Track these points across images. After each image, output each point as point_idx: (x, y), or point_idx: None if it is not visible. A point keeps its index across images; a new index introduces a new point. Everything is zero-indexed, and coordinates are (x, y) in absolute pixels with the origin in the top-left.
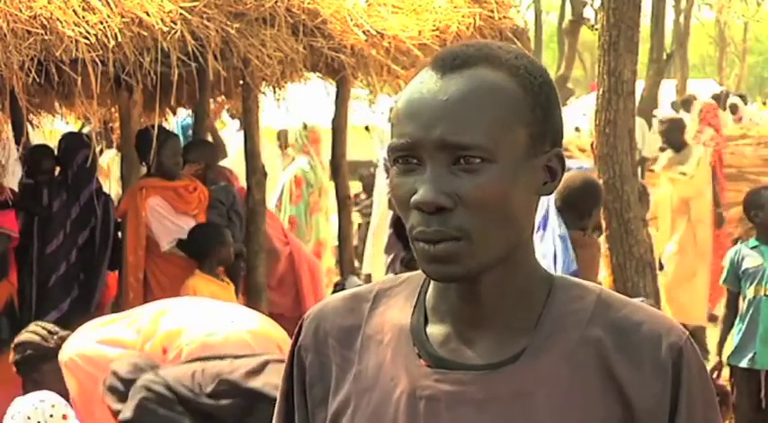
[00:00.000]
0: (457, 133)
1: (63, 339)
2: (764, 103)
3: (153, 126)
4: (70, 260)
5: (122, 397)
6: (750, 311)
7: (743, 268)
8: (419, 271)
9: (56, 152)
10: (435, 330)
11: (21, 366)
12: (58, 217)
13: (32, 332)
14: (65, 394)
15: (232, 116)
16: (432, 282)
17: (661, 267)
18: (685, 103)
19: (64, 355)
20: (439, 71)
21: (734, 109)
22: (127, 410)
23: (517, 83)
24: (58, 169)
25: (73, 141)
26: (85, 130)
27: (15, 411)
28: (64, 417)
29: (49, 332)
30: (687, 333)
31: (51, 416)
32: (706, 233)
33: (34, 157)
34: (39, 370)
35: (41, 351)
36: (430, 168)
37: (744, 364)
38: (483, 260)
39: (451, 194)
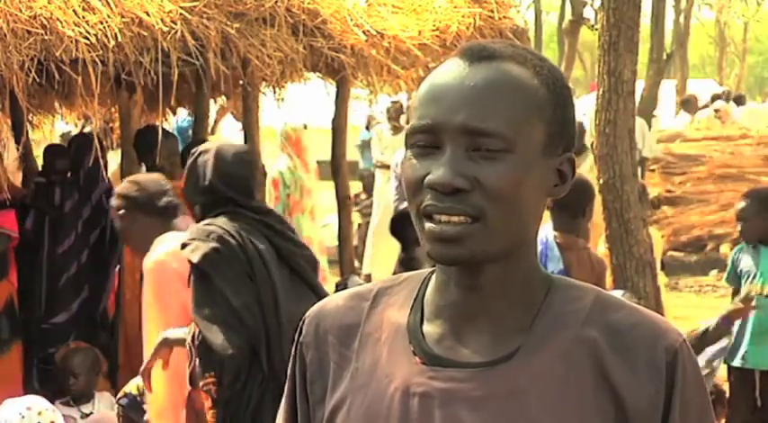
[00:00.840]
0: (480, 119)
1: (170, 205)
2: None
3: (152, 126)
4: (81, 260)
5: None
6: None
7: (740, 267)
8: (420, 271)
9: (68, 151)
10: (431, 328)
11: (123, 200)
12: (70, 217)
13: (152, 180)
14: (140, 251)
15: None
16: (432, 279)
17: (663, 267)
18: (685, 104)
19: (147, 262)
20: (467, 60)
21: (716, 111)
22: (195, 255)
23: (540, 81)
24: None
25: (84, 142)
26: (86, 130)
27: (2, 419)
28: None
29: (164, 192)
30: (683, 335)
31: None
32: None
33: (48, 156)
34: (133, 215)
35: (146, 202)
36: (449, 151)
37: (736, 362)
38: (489, 248)
39: (469, 178)
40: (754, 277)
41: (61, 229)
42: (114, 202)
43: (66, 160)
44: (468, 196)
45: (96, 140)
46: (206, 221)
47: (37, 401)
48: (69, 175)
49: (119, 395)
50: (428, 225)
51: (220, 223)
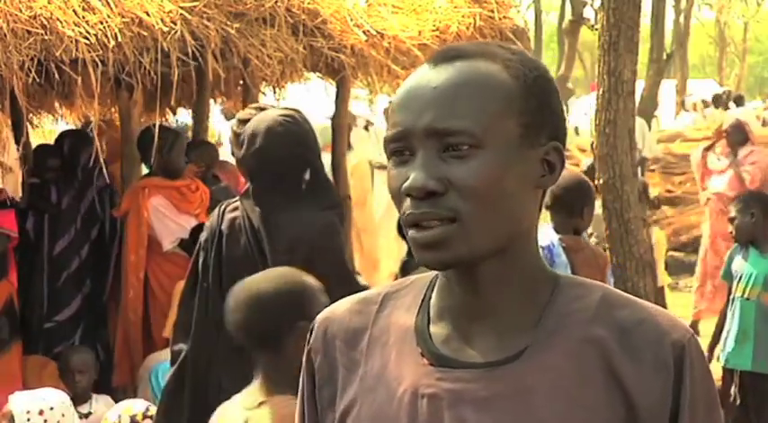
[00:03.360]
0: (444, 119)
1: None
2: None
3: (155, 125)
4: (82, 256)
5: None
6: (729, 310)
7: (732, 266)
8: (427, 273)
9: (59, 149)
10: (438, 329)
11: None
12: (68, 213)
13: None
14: None
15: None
16: (437, 281)
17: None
18: (685, 104)
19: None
20: (432, 63)
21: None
22: None
23: (509, 74)
24: (62, 166)
25: (80, 139)
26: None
27: (48, 405)
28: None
29: None
30: (691, 331)
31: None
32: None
33: (39, 156)
34: None
35: None
36: (420, 155)
37: (722, 362)
38: (474, 246)
39: (442, 179)
40: (739, 278)
41: (59, 225)
42: (236, 127)
43: (57, 159)
44: (443, 199)
45: (95, 138)
46: (231, 201)
47: (67, 397)
48: (65, 171)
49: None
50: (412, 232)
51: (219, 213)
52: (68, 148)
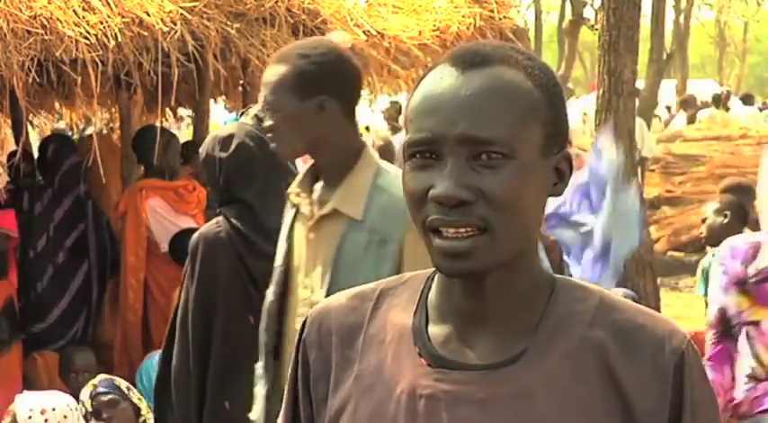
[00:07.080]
0: (479, 128)
1: None
2: (765, 104)
3: (151, 126)
4: (57, 263)
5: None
6: None
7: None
8: (422, 271)
9: (41, 155)
10: (437, 330)
11: None
12: (40, 221)
13: None
14: None
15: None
16: (435, 280)
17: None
18: (685, 104)
19: None
20: (459, 67)
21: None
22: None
23: (533, 83)
24: (43, 172)
25: (64, 145)
26: (89, 131)
27: (50, 406)
28: None
29: None
30: (689, 337)
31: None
32: None
33: (13, 161)
34: None
35: None
36: (451, 163)
37: None
38: (499, 256)
39: (472, 188)
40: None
41: (32, 232)
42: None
43: (31, 164)
44: (473, 207)
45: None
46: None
47: (73, 400)
48: (44, 177)
49: None
50: (437, 241)
51: (206, 229)
52: (51, 154)
